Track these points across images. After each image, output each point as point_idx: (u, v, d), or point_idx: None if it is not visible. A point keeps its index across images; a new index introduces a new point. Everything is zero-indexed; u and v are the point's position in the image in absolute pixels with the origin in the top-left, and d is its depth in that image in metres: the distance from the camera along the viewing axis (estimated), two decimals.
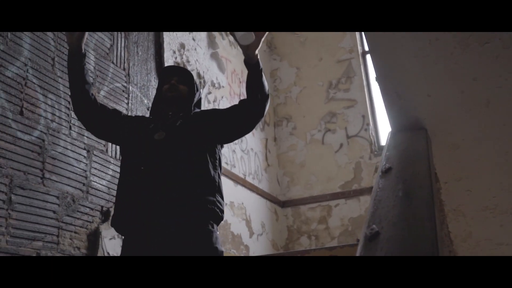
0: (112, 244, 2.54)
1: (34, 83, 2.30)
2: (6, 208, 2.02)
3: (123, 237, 1.81)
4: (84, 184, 2.47)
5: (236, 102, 4.46)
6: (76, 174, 2.44)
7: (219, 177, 1.86)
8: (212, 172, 1.80)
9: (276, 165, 5.48)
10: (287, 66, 5.82)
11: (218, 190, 1.81)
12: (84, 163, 2.50)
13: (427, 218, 1.11)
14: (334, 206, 5.17)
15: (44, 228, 2.19)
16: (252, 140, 4.87)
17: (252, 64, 1.80)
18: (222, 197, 1.83)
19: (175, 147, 1.80)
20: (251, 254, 4.26)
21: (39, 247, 2.14)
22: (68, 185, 2.36)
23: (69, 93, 2.04)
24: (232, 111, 1.93)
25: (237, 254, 3.99)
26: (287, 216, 5.36)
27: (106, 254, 2.48)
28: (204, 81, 4.00)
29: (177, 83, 1.99)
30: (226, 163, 4.16)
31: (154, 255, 1.56)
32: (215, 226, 1.73)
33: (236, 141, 4.45)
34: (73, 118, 2.46)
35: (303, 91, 5.67)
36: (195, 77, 3.69)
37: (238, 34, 1.71)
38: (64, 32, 1.92)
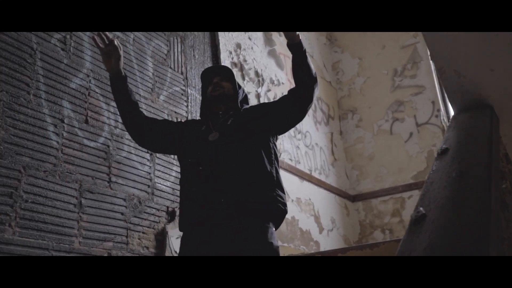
0: (178, 243, 2.61)
1: (96, 92, 2.43)
2: (77, 212, 2.15)
3: (181, 233, 1.85)
4: (149, 186, 2.56)
5: None
6: (141, 176, 2.54)
7: (277, 171, 1.84)
8: (269, 167, 1.79)
9: (344, 159, 5.36)
10: (349, 57, 5.68)
11: (277, 184, 1.78)
12: (148, 165, 2.59)
13: (480, 198, 1.02)
14: (407, 198, 4.95)
15: (113, 229, 2.29)
16: (316, 135, 4.80)
17: (295, 46, 1.81)
18: (282, 191, 1.80)
19: (229, 146, 1.81)
20: (322, 249, 4.19)
21: (110, 247, 2.25)
22: (134, 188, 2.46)
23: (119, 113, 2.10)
24: (282, 101, 1.93)
25: (306, 251, 3.94)
26: (359, 210, 5.22)
27: (173, 253, 2.55)
28: (263, 79, 4.00)
29: (220, 81, 2.00)
30: (290, 159, 4.13)
31: (209, 252, 1.58)
32: (270, 223, 1.71)
33: (299, 137, 4.41)
34: None
35: (367, 81, 5.50)
36: (253, 75, 3.72)
37: None
38: (102, 60, 2.00)
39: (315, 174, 4.54)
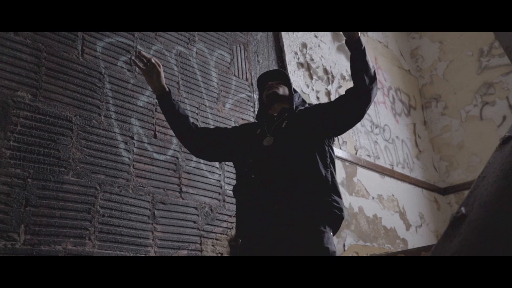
0: None
1: None
2: (151, 223, 2.26)
3: (240, 240, 1.87)
4: (219, 194, 2.62)
5: None
6: (211, 185, 2.61)
7: (333, 175, 1.79)
8: (324, 171, 1.75)
9: (430, 150, 5.06)
10: (428, 42, 5.36)
11: (332, 189, 1.74)
12: (217, 173, 2.66)
13: None
14: None
15: (187, 237, 2.38)
16: (396, 128, 4.59)
17: (353, 44, 1.77)
18: (339, 195, 1.75)
19: (284, 151, 1.80)
20: (410, 247, 3.99)
21: (185, 255, 2.34)
22: (205, 196, 2.54)
23: (197, 115, 2.18)
24: (339, 101, 1.88)
25: (392, 249, 3.78)
26: (451, 203, 4.90)
27: None
28: (333, 76, 3.92)
29: (274, 83, 2.02)
30: (368, 156, 3.99)
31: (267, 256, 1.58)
32: (327, 227, 1.67)
33: (377, 131, 4.25)
34: None
35: (450, 65, 5.15)
36: (321, 73, 3.66)
37: None
38: (145, 81, 2.09)
39: (398, 169, 4.34)
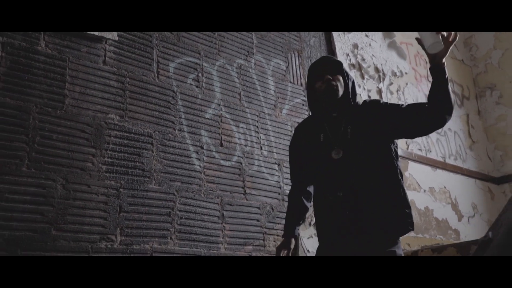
0: (310, 242, 2.92)
1: (227, 118, 2.84)
2: (221, 222, 2.58)
3: (310, 240, 2.07)
4: (279, 194, 2.90)
5: (423, 86, 4.39)
6: (272, 186, 2.89)
7: (403, 189, 1.84)
8: (396, 185, 1.81)
9: (484, 140, 5.08)
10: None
11: (404, 200, 1.81)
12: (276, 175, 2.94)
13: None
14: None
15: (252, 234, 2.69)
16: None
17: (438, 71, 1.74)
18: (410, 208, 1.82)
19: (355, 165, 1.83)
20: (462, 238, 4.12)
21: (250, 250, 2.65)
22: (266, 197, 2.83)
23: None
24: (408, 113, 1.84)
25: (444, 240, 3.93)
26: (505, 192, 4.92)
27: (305, 251, 2.86)
28: (384, 73, 4.06)
29: (331, 77, 1.90)
30: (420, 150, 4.12)
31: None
32: (399, 240, 1.79)
33: None
34: (262, 139, 2.93)
35: (506, 53, 5.10)
36: (372, 72, 3.82)
37: (427, 43, 1.71)
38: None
39: (450, 161, 4.44)
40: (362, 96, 3.75)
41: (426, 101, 1.82)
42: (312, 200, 2.04)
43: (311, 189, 2.09)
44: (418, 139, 4.14)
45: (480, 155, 4.91)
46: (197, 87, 2.76)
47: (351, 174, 1.81)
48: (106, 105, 2.35)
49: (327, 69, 1.94)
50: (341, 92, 1.92)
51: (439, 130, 4.38)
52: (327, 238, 1.91)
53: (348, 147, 1.86)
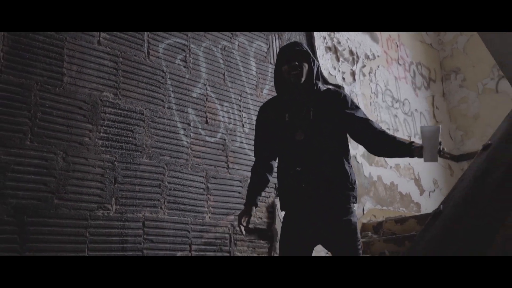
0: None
1: (212, 97, 3.03)
2: (206, 194, 2.81)
3: (283, 212, 2.30)
4: None
5: (394, 68, 4.67)
6: (252, 161, 3.11)
7: (351, 169, 2.10)
8: (348, 168, 2.06)
9: (447, 121, 5.44)
10: None
11: (352, 180, 2.08)
12: None
13: (489, 202, 1.23)
14: None
15: (234, 205, 2.93)
16: (415, 101, 4.98)
17: (408, 154, 1.92)
18: (355, 184, 2.08)
19: (313, 145, 2.05)
20: (423, 210, 4.49)
21: (232, 220, 2.90)
22: (247, 171, 3.06)
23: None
24: (358, 129, 2.08)
25: (406, 212, 4.29)
26: (463, 169, 5.32)
27: (280, 221, 3.13)
28: (357, 56, 4.30)
29: (297, 64, 2.03)
30: (388, 129, 4.43)
31: (306, 226, 2.01)
32: (351, 204, 2.06)
33: (397, 106, 4.66)
34: (244, 118, 3.14)
35: (471, 39, 5.41)
36: (347, 55, 4.06)
37: (426, 157, 1.79)
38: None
39: (415, 140, 4.77)
40: (336, 77, 3.99)
41: (377, 128, 2.04)
42: (276, 173, 2.23)
43: (273, 164, 2.26)
44: (386, 119, 4.44)
45: (442, 135, 5.25)
46: (184, 67, 2.94)
47: (309, 153, 2.04)
48: (101, 83, 2.51)
49: (295, 54, 2.06)
50: (304, 77, 2.05)
51: (407, 111, 4.70)
52: (289, 208, 2.13)
53: (309, 129, 2.05)
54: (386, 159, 4.27)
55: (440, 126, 1.79)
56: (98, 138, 2.43)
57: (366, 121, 2.07)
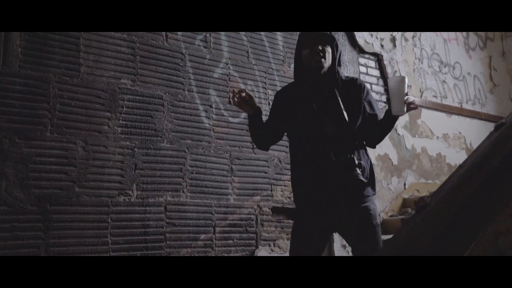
0: None
1: (235, 76, 2.98)
2: (230, 176, 2.81)
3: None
4: (286, 147, 3.07)
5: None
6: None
7: (369, 157, 2.03)
8: (369, 160, 1.99)
9: (508, 82, 5.00)
10: None
11: (372, 168, 2.01)
12: None
13: (476, 195, 1.08)
14: None
15: (260, 185, 2.91)
16: (467, 64, 4.60)
17: (390, 120, 1.93)
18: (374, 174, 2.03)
19: (344, 139, 1.92)
20: None
21: (258, 200, 2.88)
22: (273, 150, 3.00)
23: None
24: (367, 125, 1.99)
25: None
26: None
27: None
28: None
29: (321, 48, 1.89)
30: (435, 96, 4.15)
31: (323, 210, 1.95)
32: (371, 198, 1.97)
33: (445, 71, 4.35)
34: (270, 95, 3.07)
35: None
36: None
37: (394, 109, 1.84)
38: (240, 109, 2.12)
39: (467, 106, 4.44)
40: (374, 45, 3.76)
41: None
42: (292, 163, 2.09)
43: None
44: (433, 86, 4.16)
45: (501, 98, 4.86)
46: (205, 47, 2.89)
47: (338, 147, 1.90)
48: (118, 71, 2.54)
49: (318, 38, 1.91)
50: (326, 65, 1.93)
51: (457, 75, 4.37)
52: (308, 200, 1.98)
53: (337, 121, 1.93)
54: (432, 128, 4.02)
55: (406, 76, 1.79)
56: (117, 126, 2.48)
57: (375, 117, 1.99)
